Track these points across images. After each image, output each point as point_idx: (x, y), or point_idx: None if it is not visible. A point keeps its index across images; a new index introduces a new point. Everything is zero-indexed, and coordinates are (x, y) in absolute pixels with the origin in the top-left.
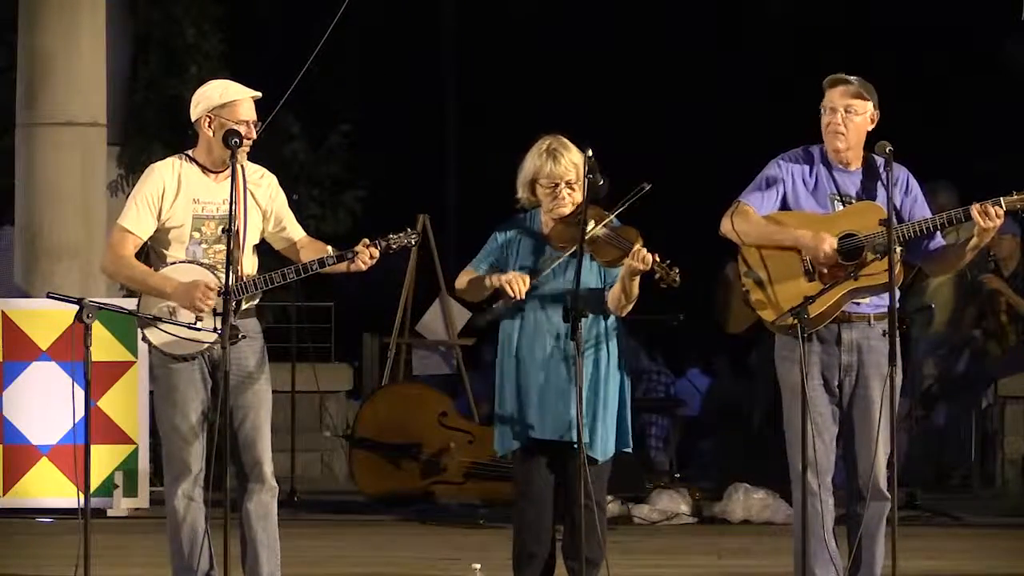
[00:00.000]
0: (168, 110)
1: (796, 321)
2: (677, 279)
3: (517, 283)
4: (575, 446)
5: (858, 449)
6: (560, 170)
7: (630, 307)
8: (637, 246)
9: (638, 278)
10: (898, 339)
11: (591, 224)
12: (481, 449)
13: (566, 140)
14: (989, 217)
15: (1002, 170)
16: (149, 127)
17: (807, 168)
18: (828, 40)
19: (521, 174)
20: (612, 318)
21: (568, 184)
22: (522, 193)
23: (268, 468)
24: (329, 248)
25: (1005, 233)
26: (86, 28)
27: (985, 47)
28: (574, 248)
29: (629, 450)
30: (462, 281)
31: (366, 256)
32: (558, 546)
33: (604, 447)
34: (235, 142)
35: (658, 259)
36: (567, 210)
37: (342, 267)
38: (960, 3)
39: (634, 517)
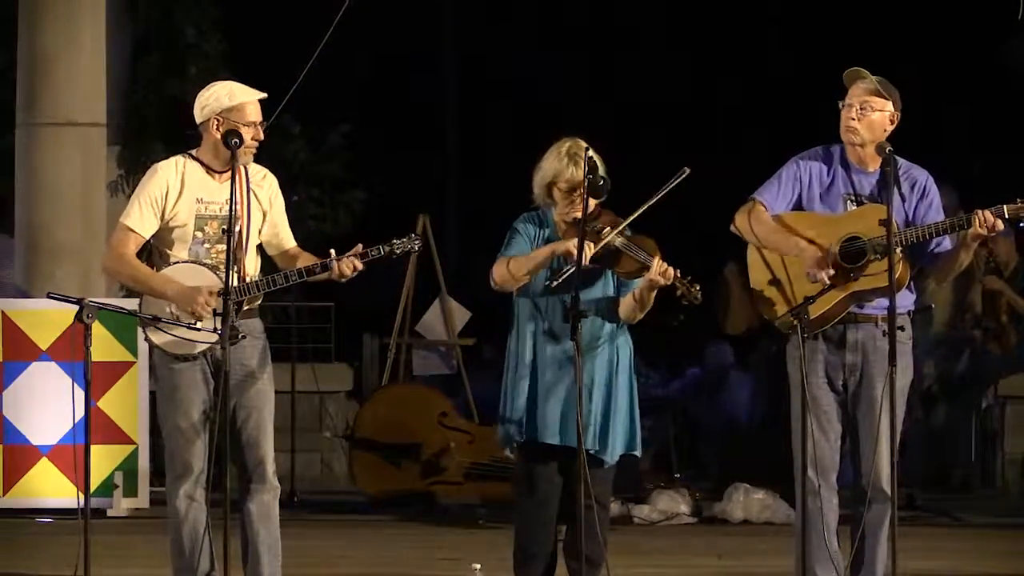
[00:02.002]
0: (168, 110)
1: (796, 321)
2: (699, 296)
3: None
4: (586, 450)
5: (862, 449)
6: (581, 175)
7: (642, 316)
8: (657, 260)
9: (655, 291)
10: (910, 341)
11: (606, 231)
12: (481, 449)
13: (583, 143)
14: (984, 223)
15: (1002, 171)
16: (149, 127)
17: (824, 168)
18: (828, 40)
19: (539, 175)
20: (621, 322)
21: None
22: (538, 193)
23: (271, 468)
24: (333, 252)
25: (1001, 235)
26: (86, 28)
27: (985, 47)
28: (592, 255)
29: (638, 453)
30: (508, 265)
31: (348, 268)
32: (558, 546)
33: (613, 450)
34: (235, 142)
35: (679, 275)
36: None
37: (323, 276)
38: (960, 3)
39: (634, 517)
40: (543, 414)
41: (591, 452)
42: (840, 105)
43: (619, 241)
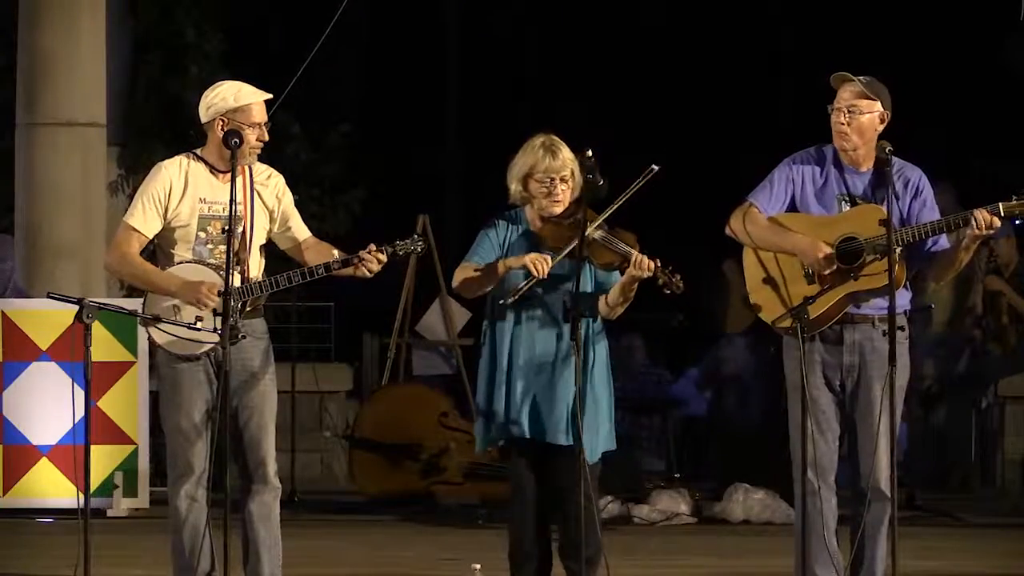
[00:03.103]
0: (168, 110)
1: (795, 322)
2: (681, 285)
3: (541, 263)
4: (566, 447)
5: (860, 450)
6: (558, 165)
7: (622, 311)
8: (637, 253)
9: (637, 284)
10: (907, 341)
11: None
12: None
13: (557, 138)
14: (983, 224)
15: (1002, 171)
16: (149, 127)
17: (817, 169)
18: (827, 38)
19: (514, 169)
20: (599, 320)
21: (563, 180)
22: (515, 188)
23: (272, 468)
24: (335, 252)
25: (1001, 235)
26: (86, 28)
27: (985, 47)
28: (568, 249)
29: (613, 449)
30: (463, 276)
31: (373, 262)
32: (554, 546)
33: (595, 448)
34: (235, 143)
35: (659, 265)
36: (559, 208)
37: (348, 271)
38: (960, 3)
39: (634, 517)
40: (526, 414)
41: (573, 450)
42: (829, 110)
43: (598, 234)
